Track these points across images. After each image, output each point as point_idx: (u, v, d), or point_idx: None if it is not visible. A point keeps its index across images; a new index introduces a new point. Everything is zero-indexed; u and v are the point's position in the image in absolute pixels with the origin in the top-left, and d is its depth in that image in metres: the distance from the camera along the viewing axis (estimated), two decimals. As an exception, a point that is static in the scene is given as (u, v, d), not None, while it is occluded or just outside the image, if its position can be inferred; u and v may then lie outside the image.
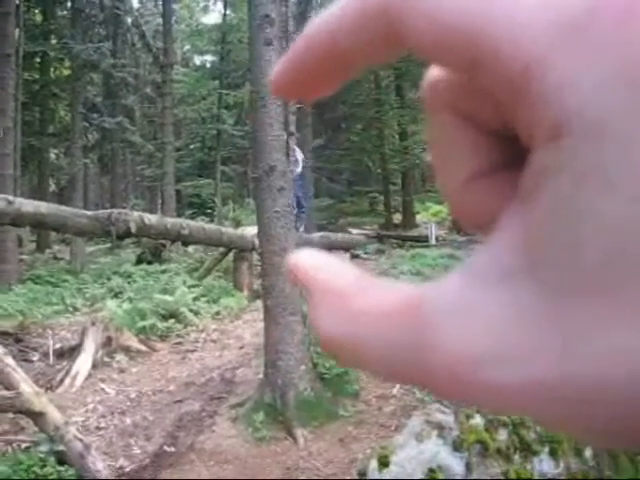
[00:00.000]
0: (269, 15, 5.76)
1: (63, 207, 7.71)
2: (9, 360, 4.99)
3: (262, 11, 5.74)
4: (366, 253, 14.09)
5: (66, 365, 7.17)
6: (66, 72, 23.00)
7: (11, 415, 5.73)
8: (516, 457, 3.32)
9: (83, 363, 7.05)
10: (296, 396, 5.35)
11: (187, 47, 34.52)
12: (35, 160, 21.86)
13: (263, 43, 5.74)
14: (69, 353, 7.48)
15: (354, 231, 16.08)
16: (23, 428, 5.55)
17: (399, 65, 21.17)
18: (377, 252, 14.31)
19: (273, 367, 5.47)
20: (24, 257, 16.03)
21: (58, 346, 7.76)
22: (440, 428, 3.45)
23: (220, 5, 27.75)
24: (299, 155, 12.64)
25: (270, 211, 5.48)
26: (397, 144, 23.67)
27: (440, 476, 3.20)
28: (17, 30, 14.74)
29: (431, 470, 3.22)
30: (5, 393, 4.85)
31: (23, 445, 5.11)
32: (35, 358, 7.55)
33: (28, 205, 6.75)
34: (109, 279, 11.95)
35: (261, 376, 5.86)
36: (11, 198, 6.66)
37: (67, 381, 6.81)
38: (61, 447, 4.74)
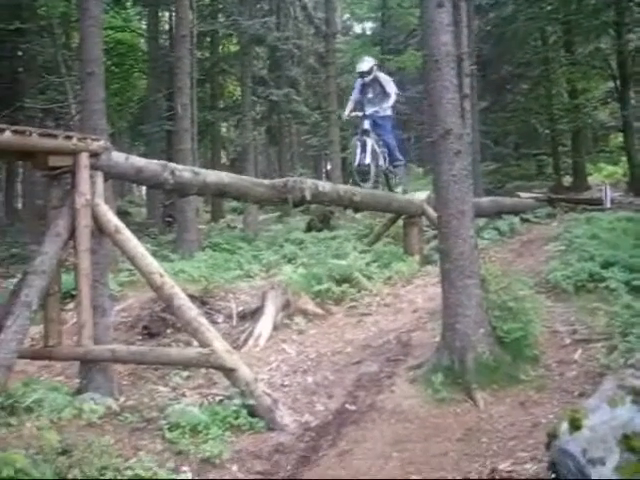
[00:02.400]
0: (440, -24, 5.68)
1: (243, 177, 8.09)
2: (203, 320, 5.37)
3: (433, -28, 5.67)
4: (536, 217, 13.63)
5: (248, 327, 7.59)
6: (234, 48, 23.89)
7: (204, 370, 6.20)
8: None
9: (265, 325, 7.43)
10: (475, 359, 5.33)
11: (346, 16, 34.61)
12: (208, 134, 22.96)
13: (435, 5, 5.68)
14: (250, 315, 7.90)
15: (523, 195, 15.54)
16: (215, 383, 5.99)
17: (568, 18, 20.10)
18: (548, 216, 13.80)
19: (451, 330, 5.48)
20: (201, 227, 16.94)
21: (240, 309, 8.20)
22: (635, 394, 3.32)
23: (379, -29, 27.48)
24: (391, 87, 10.76)
25: (447, 175, 5.46)
26: (566, 103, 22.50)
27: (636, 443, 3.09)
28: (190, 12, 15.46)
29: (626, 436, 3.10)
30: (201, 350, 5.23)
31: (217, 398, 5.50)
32: (220, 320, 8.02)
33: (212, 175, 7.17)
34: (281, 246, 12.40)
35: (438, 339, 5.88)
36: (197, 169, 7.10)
37: (251, 341, 7.22)
38: (252, 401, 5.07)
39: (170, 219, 19.03)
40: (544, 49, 22.41)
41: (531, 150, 25.19)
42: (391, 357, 6.35)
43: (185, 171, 6.72)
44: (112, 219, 5.65)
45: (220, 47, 24.26)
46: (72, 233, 5.56)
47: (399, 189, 11.31)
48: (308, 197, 8.15)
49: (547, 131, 24.21)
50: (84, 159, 5.56)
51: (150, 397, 5.76)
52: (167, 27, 25.15)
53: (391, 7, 24.69)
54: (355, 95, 11.01)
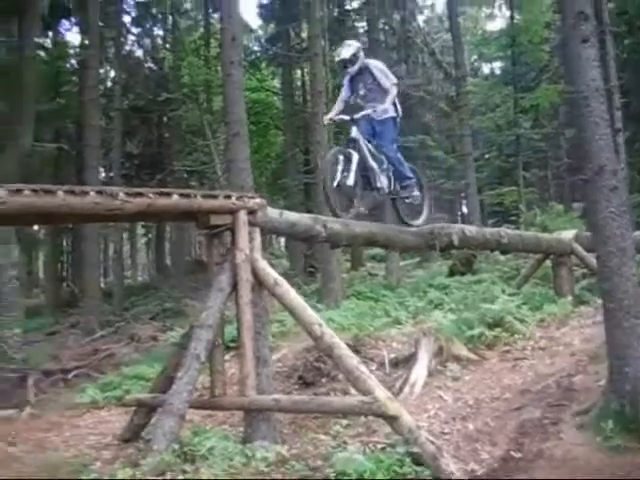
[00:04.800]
0: (583, 12, 5.61)
1: (389, 225, 8.19)
2: (364, 368, 5.42)
3: (576, 8, 5.60)
4: (696, 254, 12.85)
5: (402, 374, 7.58)
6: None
7: (363, 419, 6.24)
8: None
9: (419, 372, 7.40)
10: (648, 404, 5.06)
11: (474, 57, 34.53)
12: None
13: (580, 41, 5.60)
14: (403, 363, 7.91)
15: (680, 229, 14.65)
16: (375, 431, 6.00)
17: None
18: None
19: (619, 373, 5.23)
20: (343, 275, 17.17)
21: (392, 356, 8.23)
22: None
23: (504, 10, 27.41)
24: (387, 79, 7.77)
25: (604, 212, 5.31)
26: None
27: None
28: (323, 68, 16.03)
29: None
30: (363, 398, 5.27)
31: (378, 446, 5.51)
32: (373, 367, 8.05)
33: (360, 226, 7.34)
34: (425, 292, 12.37)
35: (602, 383, 5.65)
36: (346, 221, 7.27)
37: (406, 389, 7.20)
38: (416, 449, 5.01)
39: (312, 269, 19.47)
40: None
41: (683, 181, 23.88)
42: (553, 402, 6.13)
43: (336, 223, 6.91)
44: (271, 272, 5.89)
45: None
46: (234, 287, 5.84)
47: (420, 220, 8.31)
48: (456, 242, 8.12)
49: (698, 159, 22.92)
50: (243, 216, 5.86)
51: (313, 445, 5.85)
52: (300, 84, 26.13)
53: (520, 44, 24.38)
54: (344, 94, 8.08)
